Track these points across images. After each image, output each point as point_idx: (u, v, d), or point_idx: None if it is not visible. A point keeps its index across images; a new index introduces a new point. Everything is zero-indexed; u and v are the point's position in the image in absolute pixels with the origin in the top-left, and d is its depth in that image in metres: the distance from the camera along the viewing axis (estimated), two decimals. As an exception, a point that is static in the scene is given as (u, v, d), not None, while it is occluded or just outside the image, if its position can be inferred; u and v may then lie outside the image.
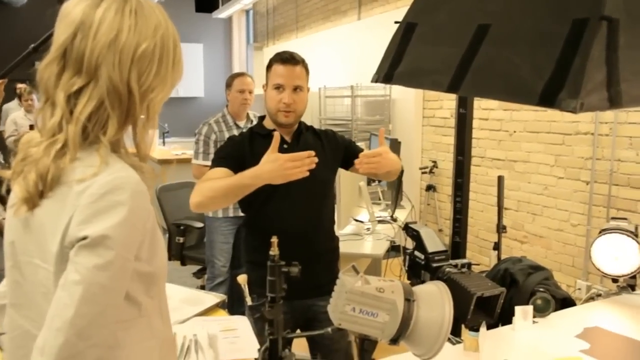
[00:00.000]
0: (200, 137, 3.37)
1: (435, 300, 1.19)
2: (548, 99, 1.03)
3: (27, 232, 0.97)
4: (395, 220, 3.51)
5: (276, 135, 1.67)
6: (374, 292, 1.17)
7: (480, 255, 4.57)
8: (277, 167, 1.59)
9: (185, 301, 1.96)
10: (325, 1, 7.30)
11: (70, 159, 0.92)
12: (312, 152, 1.59)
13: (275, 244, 1.27)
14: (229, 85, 3.47)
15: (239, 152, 1.91)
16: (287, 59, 1.93)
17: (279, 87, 1.91)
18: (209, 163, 3.22)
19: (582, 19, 1.02)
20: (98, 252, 0.87)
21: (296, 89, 1.91)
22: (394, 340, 1.18)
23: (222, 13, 8.82)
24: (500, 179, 2.47)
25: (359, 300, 1.17)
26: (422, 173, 5.28)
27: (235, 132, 3.19)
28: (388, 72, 1.48)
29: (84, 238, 0.87)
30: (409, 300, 1.17)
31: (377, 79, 1.52)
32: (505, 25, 1.19)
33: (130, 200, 0.90)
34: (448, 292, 1.20)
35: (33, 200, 0.93)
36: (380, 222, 3.41)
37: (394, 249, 3.18)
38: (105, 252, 0.87)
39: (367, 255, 3.01)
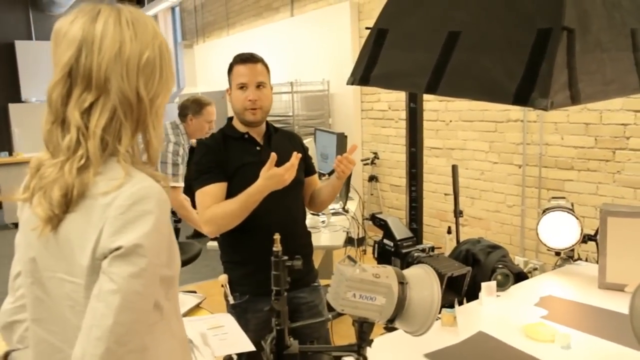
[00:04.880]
0: (169, 157, 3.25)
1: (424, 282, 1.32)
2: (522, 98, 1.19)
3: (50, 247, 0.98)
4: (347, 211, 3.65)
5: (273, 157, 1.84)
6: (371, 278, 1.28)
7: (426, 241, 4.81)
8: (274, 182, 1.84)
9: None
10: (256, -2, 7.33)
11: (94, 173, 0.95)
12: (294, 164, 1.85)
13: (277, 240, 1.35)
14: (197, 112, 3.39)
15: (218, 158, 1.97)
16: (247, 58, 2.02)
17: (242, 87, 1.98)
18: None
19: (546, 28, 1.19)
20: (132, 260, 0.91)
21: (259, 85, 1.99)
22: (391, 321, 1.30)
23: (147, 11, 8.61)
24: (454, 168, 2.65)
25: (358, 286, 1.27)
26: (364, 164, 5.46)
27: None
28: (364, 75, 1.59)
29: (118, 248, 0.90)
30: (402, 283, 1.29)
31: (352, 81, 1.63)
32: (475, 33, 1.34)
33: (156, 208, 0.94)
34: (434, 273, 1.33)
35: (58, 217, 0.95)
36: (334, 214, 3.54)
37: (348, 241, 3.31)
38: (139, 260, 0.91)
39: (327, 247, 3.12)
